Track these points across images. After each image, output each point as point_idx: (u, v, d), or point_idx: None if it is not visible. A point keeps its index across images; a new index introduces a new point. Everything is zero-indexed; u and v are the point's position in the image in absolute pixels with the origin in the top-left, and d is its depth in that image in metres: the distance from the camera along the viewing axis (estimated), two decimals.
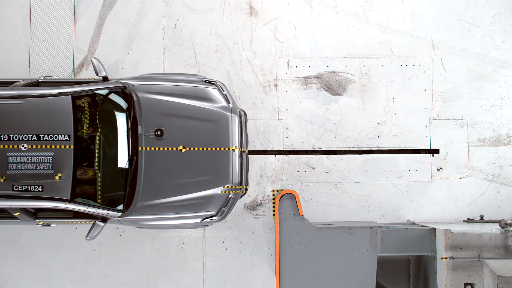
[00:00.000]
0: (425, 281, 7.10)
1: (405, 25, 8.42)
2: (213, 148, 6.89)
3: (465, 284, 6.38)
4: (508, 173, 8.25)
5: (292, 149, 8.30)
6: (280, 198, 6.62)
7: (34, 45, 8.42)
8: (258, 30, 8.43)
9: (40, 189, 6.50)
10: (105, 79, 6.96)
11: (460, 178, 8.23)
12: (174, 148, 6.82)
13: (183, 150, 6.81)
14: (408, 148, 8.29)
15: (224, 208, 6.96)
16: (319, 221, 8.08)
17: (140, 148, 6.78)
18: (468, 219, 8.05)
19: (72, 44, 8.43)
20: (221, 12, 8.46)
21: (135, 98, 6.82)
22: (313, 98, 8.34)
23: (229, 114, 6.98)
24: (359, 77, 8.34)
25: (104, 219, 6.80)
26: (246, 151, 7.18)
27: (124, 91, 6.94)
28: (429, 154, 8.22)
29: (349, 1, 8.44)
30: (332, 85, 8.35)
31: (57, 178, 6.48)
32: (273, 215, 6.92)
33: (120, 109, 6.96)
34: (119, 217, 6.78)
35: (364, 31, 8.42)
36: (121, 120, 6.93)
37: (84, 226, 8.18)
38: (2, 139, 6.49)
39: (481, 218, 7.95)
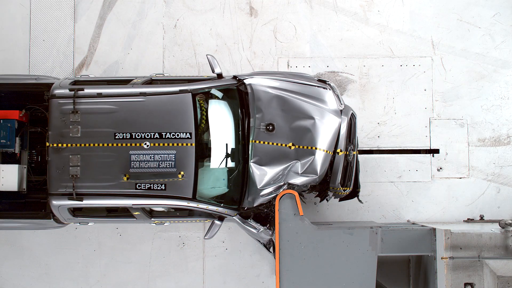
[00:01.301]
0: (425, 281, 7.09)
1: (405, 25, 8.42)
2: (320, 149, 6.81)
3: (465, 284, 6.37)
4: (508, 173, 8.25)
5: None
6: (280, 198, 6.61)
7: (34, 45, 8.42)
8: (258, 30, 8.42)
9: (163, 188, 6.46)
10: (219, 76, 6.91)
11: (460, 178, 8.23)
12: (284, 145, 6.74)
13: (292, 147, 6.75)
14: (408, 148, 8.28)
15: None
16: (319, 221, 8.08)
17: (251, 141, 6.74)
18: (468, 219, 8.04)
19: (72, 44, 8.43)
20: (221, 12, 8.46)
21: (249, 90, 6.77)
22: None
23: (339, 118, 6.93)
24: (359, 77, 8.34)
25: (221, 218, 6.75)
26: (356, 152, 7.14)
27: (237, 88, 6.88)
28: (429, 154, 8.21)
29: (349, 1, 8.44)
30: None
31: (180, 176, 6.44)
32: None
33: (232, 105, 6.91)
34: (235, 215, 6.75)
35: (364, 31, 8.42)
36: (233, 116, 6.86)
37: (84, 226, 8.18)
38: (125, 137, 6.46)
39: (481, 218, 7.95)
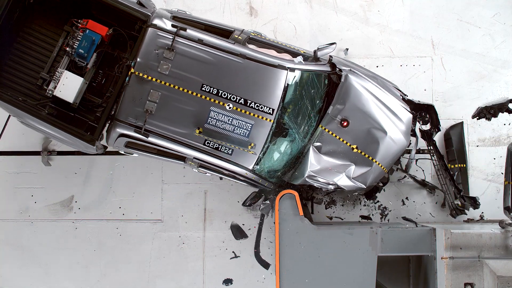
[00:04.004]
0: (425, 281, 7.09)
1: (405, 25, 8.42)
2: (378, 163, 6.93)
3: (465, 284, 6.37)
4: None
5: None
6: (280, 198, 6.61)
7: None
8: (258, 30, 8.42)
9: (230, 153, 6.50)
10: (316, 58, 6.91)
11: None
12: (348, 144, 6.80)
13: (355, 150, 6.81)
14: (409, 148, 8.27)
15: None
16: (319, 221, 8.08)
17: (320, 126, 6.79)
18: (468, 219, 8.03)
19: None
20: (221, 12, 8.46)
21: (343, 80, 6.79)
22: None
23: (407, 141, 7.11)
24: None
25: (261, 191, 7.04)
26: (459, 165, 7.60)
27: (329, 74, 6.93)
28: (429, 154, 8.19)
29: (349, 1, 8.44)
30: None
31: (249, 147, 6.48)
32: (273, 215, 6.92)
33: (314, 88, 6.90)
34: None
35: (364, 31, 8.42)
36: (314, 99, 6.88)
37: (84, 226, 8.18)
38: (211, 92, 6.40)
39: (481, 218, 7.94)
